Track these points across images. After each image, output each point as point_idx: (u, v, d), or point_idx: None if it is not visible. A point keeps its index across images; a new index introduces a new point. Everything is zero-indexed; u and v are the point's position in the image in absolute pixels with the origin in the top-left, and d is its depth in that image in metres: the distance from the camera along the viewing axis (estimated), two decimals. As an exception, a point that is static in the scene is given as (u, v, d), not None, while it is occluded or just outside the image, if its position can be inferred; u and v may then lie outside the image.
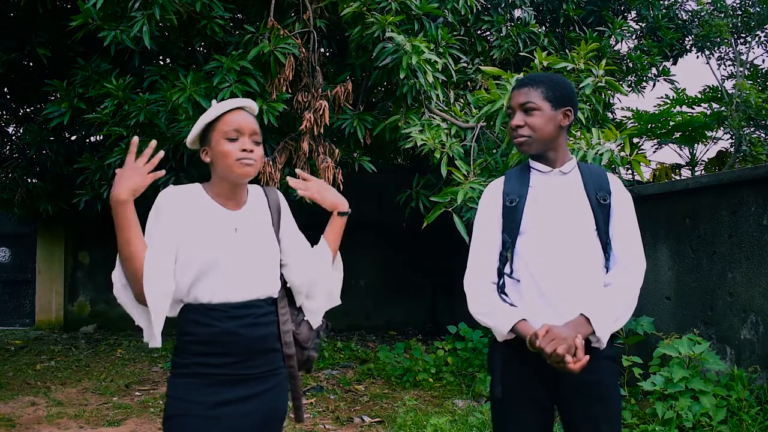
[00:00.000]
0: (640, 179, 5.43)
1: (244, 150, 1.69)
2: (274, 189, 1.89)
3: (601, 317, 1.68)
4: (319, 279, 1.88)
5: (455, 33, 5.16)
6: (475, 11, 5.27)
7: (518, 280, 1.78)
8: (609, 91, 4.49)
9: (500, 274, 1.80)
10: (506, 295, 1.79)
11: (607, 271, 1.80)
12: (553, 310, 1.72)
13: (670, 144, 9.60)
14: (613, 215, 1.80)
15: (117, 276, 1.63)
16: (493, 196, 1.87)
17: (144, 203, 1.69)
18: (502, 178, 1.90)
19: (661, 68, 7.19)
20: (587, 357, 1.59)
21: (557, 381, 1.73)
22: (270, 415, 1.73)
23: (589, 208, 1.79)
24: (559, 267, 1.75)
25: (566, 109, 1.82)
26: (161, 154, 1.66)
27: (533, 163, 1.86)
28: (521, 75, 3.68)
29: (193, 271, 1.64)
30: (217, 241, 1.68)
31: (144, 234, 1.64)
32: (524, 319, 1.71)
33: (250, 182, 1.84)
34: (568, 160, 1.85)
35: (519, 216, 1.79)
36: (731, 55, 8.77)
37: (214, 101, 1.84)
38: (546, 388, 1.76)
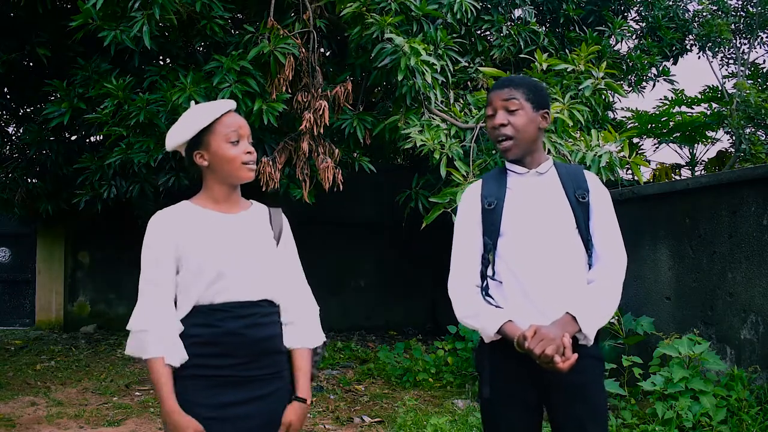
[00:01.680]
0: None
1: (248, 153, 1.71)
2: (279, 210, 1.87)
3: (587, 315, 1.70)
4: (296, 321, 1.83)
5: (455, 34, 5.15)
6: (474, 11, 5.27)
7: (501, 282, 1.79)
8: (609, 92, 4.50)
9: (483, 276, 1.82)
10: (490, 297, 1.80)
11: (590, 269, 1.81)
12: (537, 311, 1.73)
13: (670, 144, 9.59)
14: (592, 212, 1.82)
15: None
16: (471, 199, 1.88)
17: (147, 207, 1.70)
18: (479, 182, 1.92)
19: (661, 68, 7.19)
20: (576, 355, 1.61)
21: (543, 380, 1.75)
22: (271, 417, 1.73)
23: (568, 206, 1.80)
24: (542, 267, 1.76)
25: (544, 112, 1.84)
26: None
27: (510, 165, 1.88)
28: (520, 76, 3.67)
29: (206, 280, 1.66)
30: (219, 246, 1.69)
31: (143, 269, 1.69)
32: (510, 321, 1.73)
33: (254, 191, 1.85)
34: (544, 161, 1.87)
35: (498, 218, 1.80)
36: (732, 54, 8.76)
37: (192, 102, 1.85)
38: (534, 388, 1.78)
